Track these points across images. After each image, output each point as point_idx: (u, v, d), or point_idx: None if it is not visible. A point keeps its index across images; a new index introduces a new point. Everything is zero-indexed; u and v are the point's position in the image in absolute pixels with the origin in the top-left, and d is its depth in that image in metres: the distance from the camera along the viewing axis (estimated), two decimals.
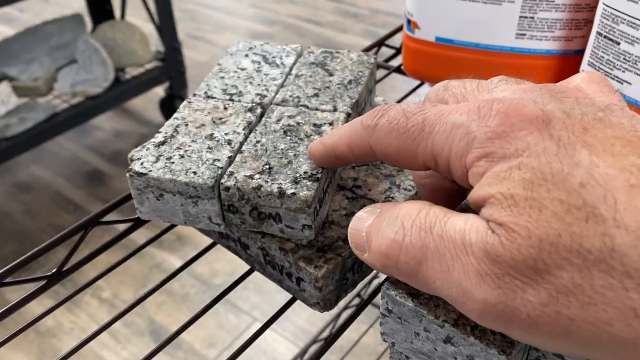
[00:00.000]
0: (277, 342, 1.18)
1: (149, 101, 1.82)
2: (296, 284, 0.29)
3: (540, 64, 0.40)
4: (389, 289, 0.22)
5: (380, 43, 0.52)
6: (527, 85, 0.22)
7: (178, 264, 1.41)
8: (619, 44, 0.34)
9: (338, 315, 0.89)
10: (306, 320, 1.21)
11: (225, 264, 1.37)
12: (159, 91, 1.73)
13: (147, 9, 1.49)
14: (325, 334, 0.86)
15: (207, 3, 2.56)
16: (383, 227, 0.21)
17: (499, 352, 0.20)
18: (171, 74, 1.59)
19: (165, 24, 1.52)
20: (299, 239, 0.28)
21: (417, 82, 0.47)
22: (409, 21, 0.43)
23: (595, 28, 0.36)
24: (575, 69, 0.39)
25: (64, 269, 0.34)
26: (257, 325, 1.22)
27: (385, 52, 0.55)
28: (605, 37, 0.35)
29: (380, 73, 0.51)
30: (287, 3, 2.50)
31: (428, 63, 0.44)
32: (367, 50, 0.51)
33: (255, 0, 2.55)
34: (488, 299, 0.18)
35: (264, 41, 0.38)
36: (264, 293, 1.29)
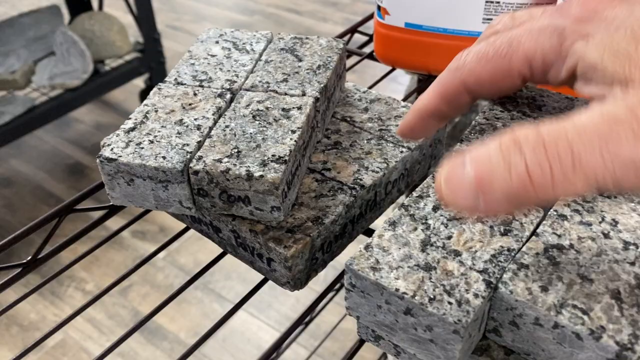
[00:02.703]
0: (262, 330, 1.19)
1: (129, 93, 1.80)
2: (267, 265, 0.29)
3: None
4: (351, 264, 0.23)
5: (353, 30, 0.52)
6: None
7: (161, 255, 1.41)
8: None
9: (319, 300, 0.90)
10: (290, 308, 1.22)
11: (209, 254, 1.37)
12: (139, 82, 1.72)
13: None
14: (307, 319, 0.87)
15: None
16: (502, 160, 0.18)
17: (456, 322, 0.21)
18: (151, 65, 1.58)
19: (144, 15, 1.51)
20: (268, 221, 0.29)
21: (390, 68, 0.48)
22: (379, 7, 0.44)
23: None
24: None
25: (39, 256, 0.34)
26: (242, 314, 1.22)
27: (360, 39, 0.55)
28: None
29: (355, 60, 0.51)
30: None
31: (398, 49, 0.44)
32: (340, 37, 0.51)
33: None
34: None
35: (235, 28, 0.39)
36: (248, 282, 1.30)
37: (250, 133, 0.29)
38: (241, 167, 0.27)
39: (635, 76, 0.19)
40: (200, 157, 0.28)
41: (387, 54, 0.46)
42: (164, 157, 0.28)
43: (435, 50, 0.43)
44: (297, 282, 0.29)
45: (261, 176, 0.27)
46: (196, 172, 0.27)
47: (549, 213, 0.25)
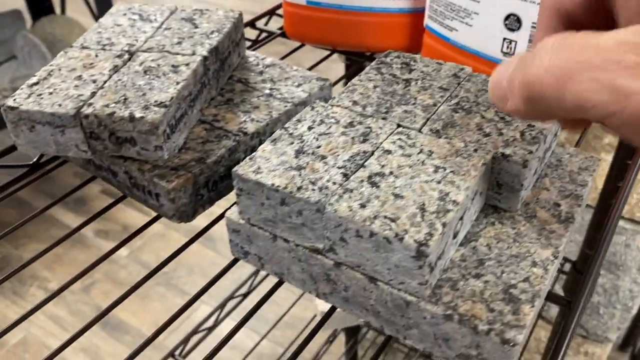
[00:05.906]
0: (224, 322, 1.22)
1: None
2: (156, 200, 0.33)
3: (396, 22, 0.46)
4: (237, 170, 0.28)
5: (271, 12, 0.56)
6: None
7: (124, 253, 1.44)
8: None
9: (255, 274, 0.95)
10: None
11: (171, 251, 1.40)
12: None
13: (87, 3, 1.51)
14: (244, 289, 0.92)
15: None
16: (522, 66, 0.20)
17: (317, 201, 0.26)
18: None
19: None
20: (154, 160, 0.33)
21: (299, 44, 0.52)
22: None
23: None
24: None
25: None
26: (205, 308, 1.25)
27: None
28: None
29: (282, 43, 0.55)
30: None
31: (303, 25, 0.49)
32: (258, 18, 0.55)
33: None
34: None
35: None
36: (210, 276, 1.32)
37: (140, 85, 0.33)
38: (125, 110, 0.31)
39: None
40: (90, 104, 0.32)
41: (295, 30, 0.50)
42: (59, 105, 0.32)
43: (335, 25, 0.47)
44: (182, 215, 0.33)
45: (142, 117, 0.30)
46: (86, 116, 0.31)
47: (377, 149, 0.29)
